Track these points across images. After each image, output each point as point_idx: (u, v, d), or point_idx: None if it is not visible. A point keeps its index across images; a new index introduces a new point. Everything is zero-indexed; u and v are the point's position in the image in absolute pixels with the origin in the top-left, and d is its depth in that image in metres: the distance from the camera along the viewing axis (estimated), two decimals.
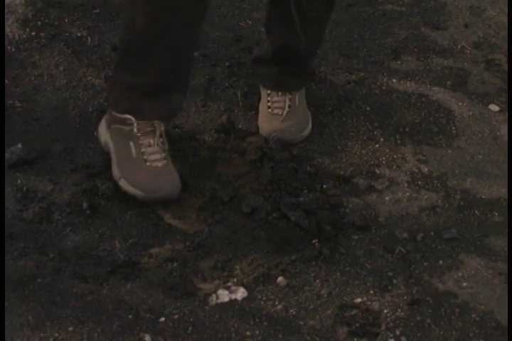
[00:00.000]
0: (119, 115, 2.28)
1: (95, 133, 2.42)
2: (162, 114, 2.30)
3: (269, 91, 2.54)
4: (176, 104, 2.32)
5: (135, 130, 2.27)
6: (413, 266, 2.18)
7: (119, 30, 2.22)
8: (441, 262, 2.20)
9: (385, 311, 2.06)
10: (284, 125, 2.48)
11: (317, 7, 2.38)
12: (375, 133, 2.57)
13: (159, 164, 2.26)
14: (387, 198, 2.37)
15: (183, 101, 2.36)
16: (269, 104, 2.52)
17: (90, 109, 2.51)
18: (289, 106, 2.51)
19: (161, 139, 2.29)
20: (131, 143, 2.27)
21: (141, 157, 2.26)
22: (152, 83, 2.21)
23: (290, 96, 2.52)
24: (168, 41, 2.16)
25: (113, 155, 2.30)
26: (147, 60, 2.18)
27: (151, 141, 2.27)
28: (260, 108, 2.56)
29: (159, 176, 2.24)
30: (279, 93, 2.52)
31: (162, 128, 2.29)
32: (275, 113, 2.51)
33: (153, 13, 2.11)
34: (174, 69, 2.22)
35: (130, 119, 2.27)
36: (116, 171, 2.27)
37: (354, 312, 2.06)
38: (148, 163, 2.25)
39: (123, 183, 2.25)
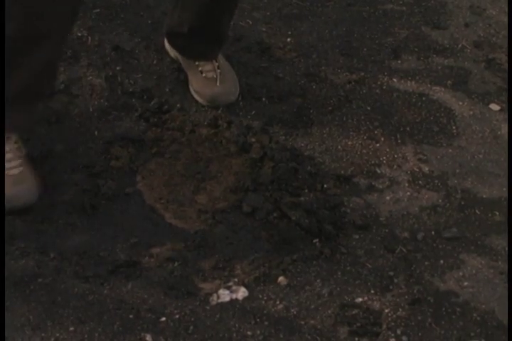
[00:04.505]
0: None
1: (96, 132, 2.42)
2: (26, 126, 2.27)
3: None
4: (39, 113, 2.30)
5: None
6: (414, 266, 2.18)
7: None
8: (442, 261, 2.21)
9: (386, 310, 2.06)
10: (224, 87, 2.54)
11: None
12: (376, 132, 2.57)
13: (16, 171, 2.20)
14: (387, 198, 2.37)
15: (44, 108, 2.35)
16: (200, 68, 2.56)
17: (91, 109, 2.51)
18: (219, 67, 2.57)
19: (17, 145, 2.24)
20: None
21: None
22: (19, 92, 2.15)
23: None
24: (37, 56, 2.10)
25: None
26: (16, 69, 2.11)
27: (7, 148, 2.21)
28: (191, 77, 2.58)
29: (15, 185, 2.18)
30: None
31: (17, 135, 2.25)
32: (210, 76, 2.55)
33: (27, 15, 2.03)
34: (41, 78, 2.18)
35: None
36: None
37: (355, 311, 2.06)
38: (6, 172, 2.19)
39: None
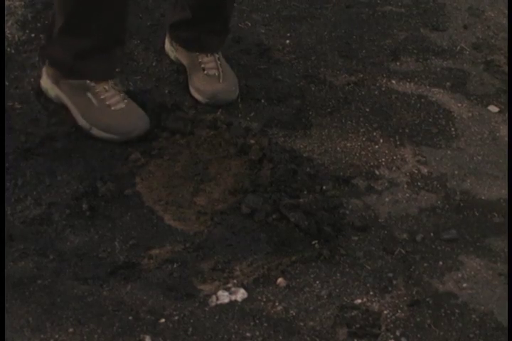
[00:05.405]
0: (71, 81, 2.39)
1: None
2: (109, 71, 2.43)
3: (197, 54, 2.58)
4: (119, 57, 2.46)
5: (87, 81, 2.38)
6: (413, 267, 2.18)
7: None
8: (441, 263, 2.21)
9: (385, 312, 2.06)
10: (225, 85, 2.56)
11: None
12: (375, 134, 2.57)
13: (123, 105, 2.39)
14: (386, 199, 2.37)
15: (123, 51, 2.49)
16: (202, 65, 2.57)
17: None
18: (221, 65, 2.58)
19: (113, 81, 2.41)
20: (89, 94, 2.39)
21: (103, 103, 2.38)
22: (97, 44, 2.32)
23: (217, 55, 2.60)
24: (110, 5, 2.25)
25: (72, 108, 2.41)
26: (92, 23, 2.28)
27: (106, 87, 2.40)
28: (193, 74, 2.59)
29: (127, 117, 2.38)
30: (208, 54, 2.58)
31: None
32: (212, 74, 2.56)
33: None
34: (116, 28, 2.34)
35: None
36: (84, 122, 2.39)
37: (354, 313, 2.06)
38: (112, 108, 2.38)
39: (96, 132, 2.38)
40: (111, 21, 2.30)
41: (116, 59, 2.45)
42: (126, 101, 2.40)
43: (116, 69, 2.49)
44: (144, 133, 2.39)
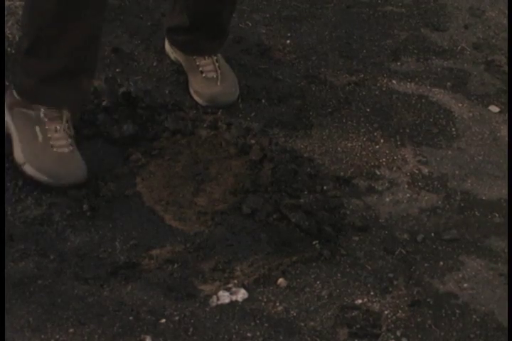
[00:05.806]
0: (28, 103, 2.26)
1: None
2: (72, 101, 2.29)
3: (194, 57, 2.58)
4: (85, 89, 2.32)
5: (42, 115, 2.26)
6: (413, 267, 2.18)
7: (25, 17, 2.23)
8: (441, 263, 2.21)
9: (386, 312, 2.06)
10: (223, 87, 2.55)
11: None
12: (375, 134, 2.57)
13: (66, 150, 2.24)
14: (387, 199, 2.37)
15: (91, 86, 2.36)
16: (200, 68, 2.56)
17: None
18: (219, 68, 2.57)
19: (67, 125, 2.27)
20: (37, 128, 2.25)
21: (47, 142, 2.23)
22: (62, 68, 2.21)
23: (216, 58, 2.58)
24: (78, 26, 2.16)
25: (15, 139, 2.27)
26: (57, 45, 2.18)
27: (58, 127, 2.25)
28: (191, 77, 2.59)
29: (66, 162, 2.23)
30: (206, 56, 2.57)
31: (69, 114, 2.28)
32: (210, 77, 2.55)
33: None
34: (83, 53, 2.23)
35: (37, 105, 2.26)
36: (20, 156, 2.24)
37: (355, 313, 2.06)
38: (54, 149, 2.23)
39: (28, 168, 2.22)
40: (78, 46, 2.19)
41: (81, 90, 2.31)
42: (71, 147, 2.25)
43: (82, 105, 2.37)
44: (80, 182, 2.24)
